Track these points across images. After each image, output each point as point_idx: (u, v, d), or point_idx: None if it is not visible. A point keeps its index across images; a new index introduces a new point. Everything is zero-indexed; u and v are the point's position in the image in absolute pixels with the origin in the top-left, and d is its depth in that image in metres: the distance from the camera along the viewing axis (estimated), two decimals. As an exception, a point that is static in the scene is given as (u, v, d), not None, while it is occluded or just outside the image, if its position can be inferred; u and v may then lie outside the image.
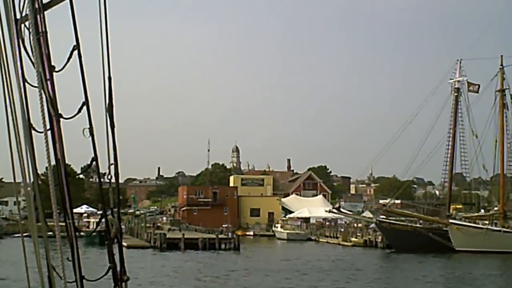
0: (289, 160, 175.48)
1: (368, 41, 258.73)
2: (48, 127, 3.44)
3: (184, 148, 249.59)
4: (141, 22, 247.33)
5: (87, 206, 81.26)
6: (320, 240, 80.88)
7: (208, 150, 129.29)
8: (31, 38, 3.48)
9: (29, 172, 3.46)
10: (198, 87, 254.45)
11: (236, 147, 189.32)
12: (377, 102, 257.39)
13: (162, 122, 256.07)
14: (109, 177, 3.62)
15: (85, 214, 78.73)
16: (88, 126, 3.48)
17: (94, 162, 3.52)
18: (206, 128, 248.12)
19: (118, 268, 3.62)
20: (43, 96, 3.43)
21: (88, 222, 73.58)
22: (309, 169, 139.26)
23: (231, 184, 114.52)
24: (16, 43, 3.52)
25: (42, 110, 3.42)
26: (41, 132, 3.42)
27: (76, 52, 3.50)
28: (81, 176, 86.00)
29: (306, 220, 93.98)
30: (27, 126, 3.46)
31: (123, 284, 3.62)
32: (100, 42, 3.65)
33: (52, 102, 3.45)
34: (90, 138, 3.47)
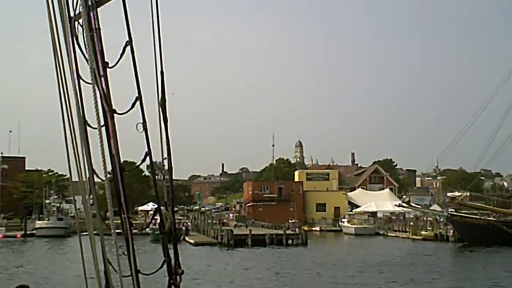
0: (353, 154, 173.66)
1: (435, 28, 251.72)
2: (102, 123, 3.46)
3: (247, 144, 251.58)
4: (198, 19, 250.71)
5: (153, 204, 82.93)
6: (389, 234, 79.46)
7: (273, 145, 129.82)
8: (85, 35, 3.51)
9: (85, 168, 3.50)
10: (260, 84, 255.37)
11: (300, 142, 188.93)
12: (443, 93, 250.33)
13: (225, 120, 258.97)
14: (163, 171, 3.64)
15: (151, 212, 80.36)
16: (141, 121, 3.49)
17: (148, 157, 3.52)
18: (268, 124, 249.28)
19: (173, 262, 3.62)
20: (97, 92, 3.46)
21: (155, 219, 75.21)
22: (374, 163, 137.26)
23: (296, 179, 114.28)
24: (70, 41, 3.56)
25: (96, 106, 3.44)
26: (96, 128, 3.45)
27: (129, 47, 3.50)
28: (147, 173, 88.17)
29: (373, 214, 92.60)
30: (82, 122, 3.50)
31: (178, 277, 3.62)
32: (152, 37, 3.65)
33: (106, 98, 3.47)
34: (144, 133, 3.48)
